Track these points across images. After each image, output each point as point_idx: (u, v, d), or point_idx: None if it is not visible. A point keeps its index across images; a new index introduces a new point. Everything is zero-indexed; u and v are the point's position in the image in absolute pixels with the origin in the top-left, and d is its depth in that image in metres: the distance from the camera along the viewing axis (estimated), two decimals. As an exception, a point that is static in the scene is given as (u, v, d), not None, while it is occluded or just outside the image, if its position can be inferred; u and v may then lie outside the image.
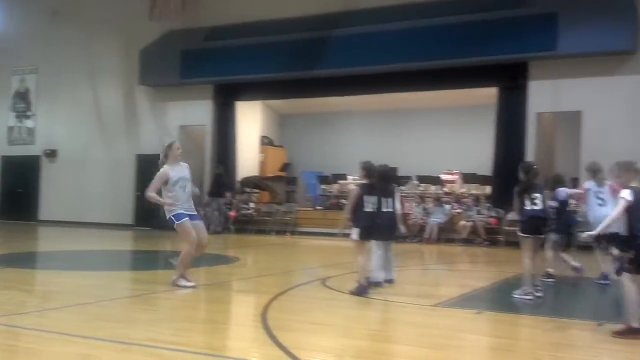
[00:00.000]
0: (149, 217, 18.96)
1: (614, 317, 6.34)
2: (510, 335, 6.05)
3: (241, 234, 18.47)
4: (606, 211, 7.57)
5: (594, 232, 6.01)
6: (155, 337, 5.27)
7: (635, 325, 5.44)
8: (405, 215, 17.20)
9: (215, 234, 18.16)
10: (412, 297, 7.98)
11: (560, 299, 8.53)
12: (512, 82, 16.48)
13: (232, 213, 19.20)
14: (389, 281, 8.34)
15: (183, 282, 7.75)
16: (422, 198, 17.88)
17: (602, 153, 14.14)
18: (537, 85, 16.02)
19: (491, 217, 16.34)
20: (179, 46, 20.15)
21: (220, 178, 19.02)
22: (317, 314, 6.62)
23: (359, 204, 7.70)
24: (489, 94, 17.21)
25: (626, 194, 5.52)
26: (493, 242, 15.92)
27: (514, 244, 15.36)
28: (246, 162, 21.26)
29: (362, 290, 7.54)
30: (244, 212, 19.40)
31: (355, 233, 7.65)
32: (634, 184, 5.66)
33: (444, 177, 19.23)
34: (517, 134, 16.31)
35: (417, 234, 16.83)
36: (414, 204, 17.55)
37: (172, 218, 7.69)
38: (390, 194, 8.16)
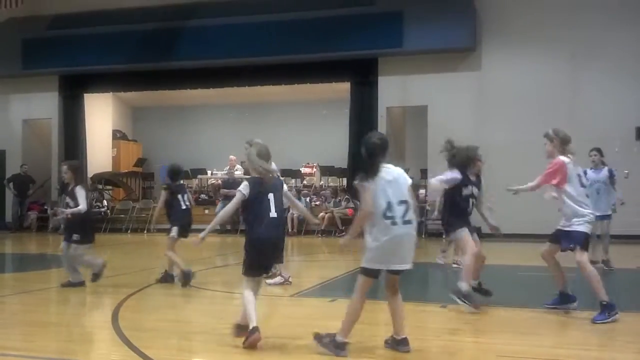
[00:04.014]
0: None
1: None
2: (360, 319, 6.28)
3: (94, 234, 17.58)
4: None
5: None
6: (0, 344, 4.97)
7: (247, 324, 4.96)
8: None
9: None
10: (271, 289, 8.07)
11: (412, 283, 8.97)
12: (363, 77, 17.14)
13: (84, 211, 18.27)
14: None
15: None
16: (281, 191, 18.07)
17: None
18: (386, 81, 16.77)
19: (348, 208, 16.86)
20: (19, 35, 18.84)
21: (70, 175, 18.02)
22: (171, 312, 6.51)
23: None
24: (343, 89, 17.74)
25: (243, 187, 5.03)
26: (350, 232, 16.44)
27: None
28: (97, 158, 20.36)
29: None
30: (96, 210, 18.50)
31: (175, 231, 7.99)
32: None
33: (304, 170, 19.58)
34: (370, 128, 16.92)
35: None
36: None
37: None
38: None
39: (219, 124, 21.57)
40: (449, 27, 15.81)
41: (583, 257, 5.93)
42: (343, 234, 16.40)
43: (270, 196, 5.05)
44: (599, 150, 10.01)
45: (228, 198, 17.65)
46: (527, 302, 6.97)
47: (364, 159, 4.67)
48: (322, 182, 19.27)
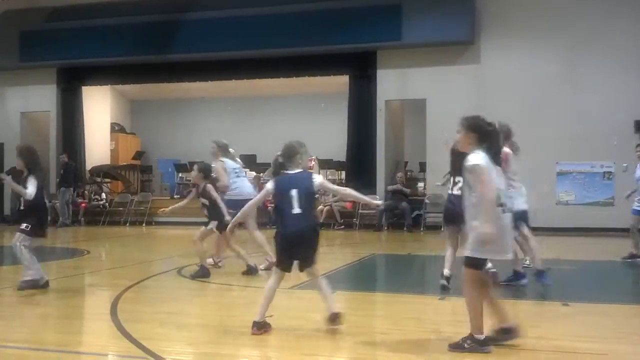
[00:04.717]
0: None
1: (456, 292, 6.83)
2: (358, 312, 6.29)
3: (93, 226, 17.64)
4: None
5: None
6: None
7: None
8: (267, 202, 17.30)
9: (64, 226, 17.22)
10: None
11: (406, 276, 8.99)
12: (362, 70, 17.10)
13: (83, 204, 18.28)
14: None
15: None
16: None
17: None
18: (385, 74, 16.73)
19: (346, 201, 16.85)
20: (17, 27, 18.78)
21: (70, 167, 18.01)
22: (170, 304, 6.50)
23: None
24: (342, 82, 17.71)
25: (269, 183, 5.23)
26: (348, 225, 16.46)
27: (368, 226, 16.10)
28: (96, 151, 20.34)
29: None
30: (95, 203, 18.53)
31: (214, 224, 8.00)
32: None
33: (302, 163, 19.54)
34: (368, 121, 16.96)
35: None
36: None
37: None
38: None
39: (217, 117, 21.54)
40: (447, 20, 15.75)
41: (525, 229, 7.05)
42: (342, 227, 16.42)
43: (293, 192, 4.99)
44: None
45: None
46: (523, 294, 6.99)
47: (493, 143, 4.50)
48: (320, 175, 19.28)
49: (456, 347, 4.53)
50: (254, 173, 18.61)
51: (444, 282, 6.83)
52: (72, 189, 17.86)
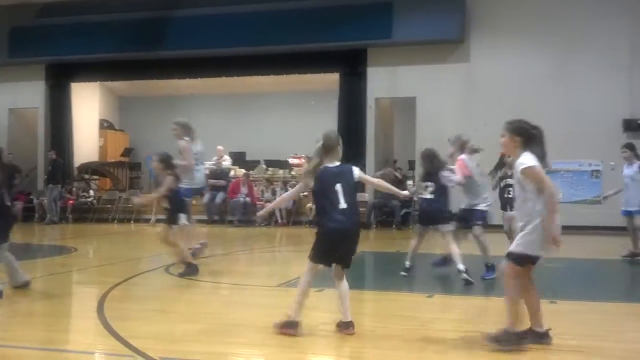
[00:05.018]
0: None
1: (444, 290, 6.87)
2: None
3: (80, 223, 17.54)
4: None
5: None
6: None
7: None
8: (255, 200, 17.27)
9: (51, 224, 17.12)
10: (258, 279, 8.09)
11: (395, 274, 8.99)
12: (352, 68, 17.10)
13: (71, 201, 18.17)
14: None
15: None
16: (270, 182, 18.02)
17: (434, 137, 15.08)
18: (375, 72, 16.74)
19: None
20: (7, 23, 18.67)
21: (58, 164, 17.90)
22: (157, 302, 6.48)
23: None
24: (332, 80, 17.69)
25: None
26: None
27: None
28: (84, 148, 20.23)
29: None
30: (83, 200, 18.43)
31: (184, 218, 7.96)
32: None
33: (292, 161, 19.52)
34: (358, 119, 16.97)
35: (266, 217, 16.94)
36: (262, 188, 17.65)
37: None
38: None
39: (206, 114, 21.41)
40: (438, 18, 15.78)
41: (480, 230, 7.62)
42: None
43: (338, 187, 4.86)
44: (628, 146, 10.06)
45: (216, 188, 17.63)
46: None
47: (539, 146, 4.59)
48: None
49: (492, 340, 4.44)
50: (243, 170, 18.61)
51: (404, 273, 7.77)
52: (60, 185, 17.75)
